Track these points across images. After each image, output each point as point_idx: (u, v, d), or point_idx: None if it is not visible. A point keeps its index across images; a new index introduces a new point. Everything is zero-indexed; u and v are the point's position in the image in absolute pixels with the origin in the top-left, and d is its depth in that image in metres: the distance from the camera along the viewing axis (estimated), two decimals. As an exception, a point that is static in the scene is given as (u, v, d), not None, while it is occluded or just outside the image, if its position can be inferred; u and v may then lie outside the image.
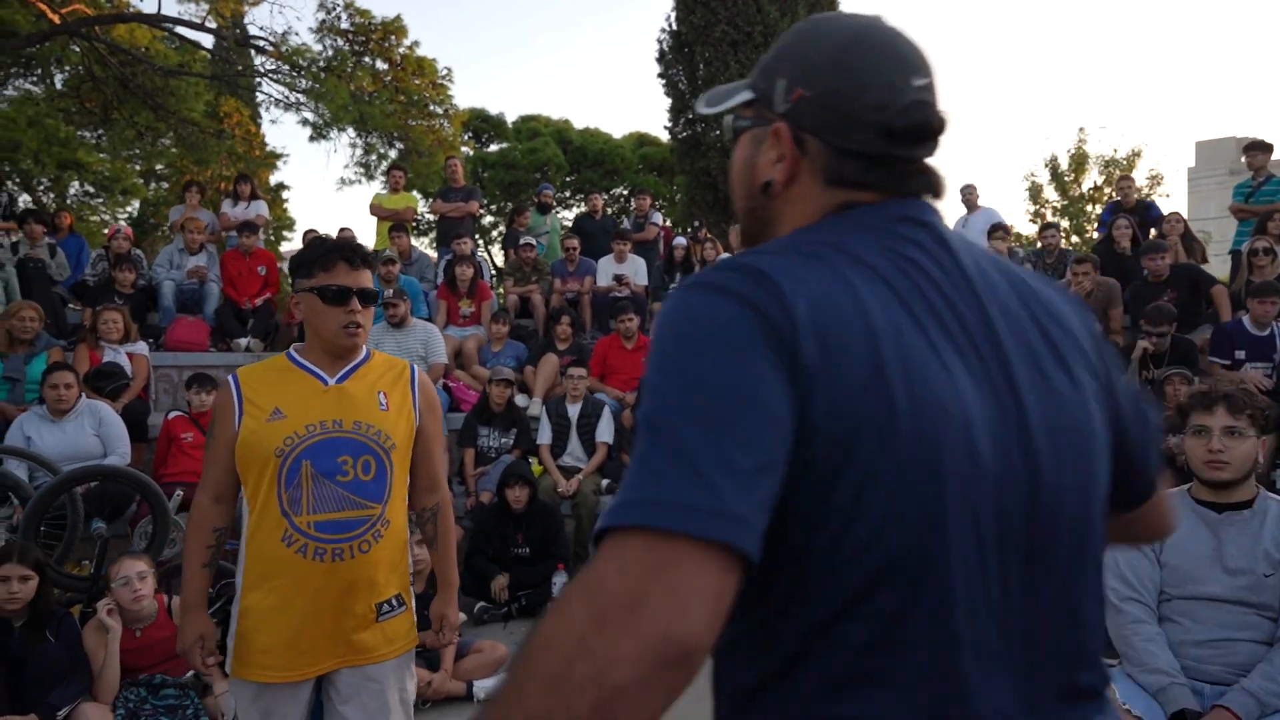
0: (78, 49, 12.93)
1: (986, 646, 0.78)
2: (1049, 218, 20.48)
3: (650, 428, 0.71)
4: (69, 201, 17.27)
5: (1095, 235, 19.24)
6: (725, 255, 0.86)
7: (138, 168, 18.05)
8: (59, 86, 15.20)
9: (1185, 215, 8.05)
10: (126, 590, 3.48)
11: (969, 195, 9.38)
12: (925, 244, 0.86)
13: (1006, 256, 7.96)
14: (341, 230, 8.77)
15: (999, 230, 8.39)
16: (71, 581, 4.02)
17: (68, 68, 14.53)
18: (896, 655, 0.76)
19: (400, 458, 2.17)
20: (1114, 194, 11.51)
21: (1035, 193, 21.34)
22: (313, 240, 2.27)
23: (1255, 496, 2.45)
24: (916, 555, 0.75)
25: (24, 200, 14.53)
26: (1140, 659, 2.36)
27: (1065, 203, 20.68)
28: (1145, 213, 8.39)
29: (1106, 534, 0.91)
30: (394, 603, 2.17)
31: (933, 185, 0.91)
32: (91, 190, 18.08)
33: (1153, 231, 8.01)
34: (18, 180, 15.44)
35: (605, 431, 6.16)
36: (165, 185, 18.46)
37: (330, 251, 2.13)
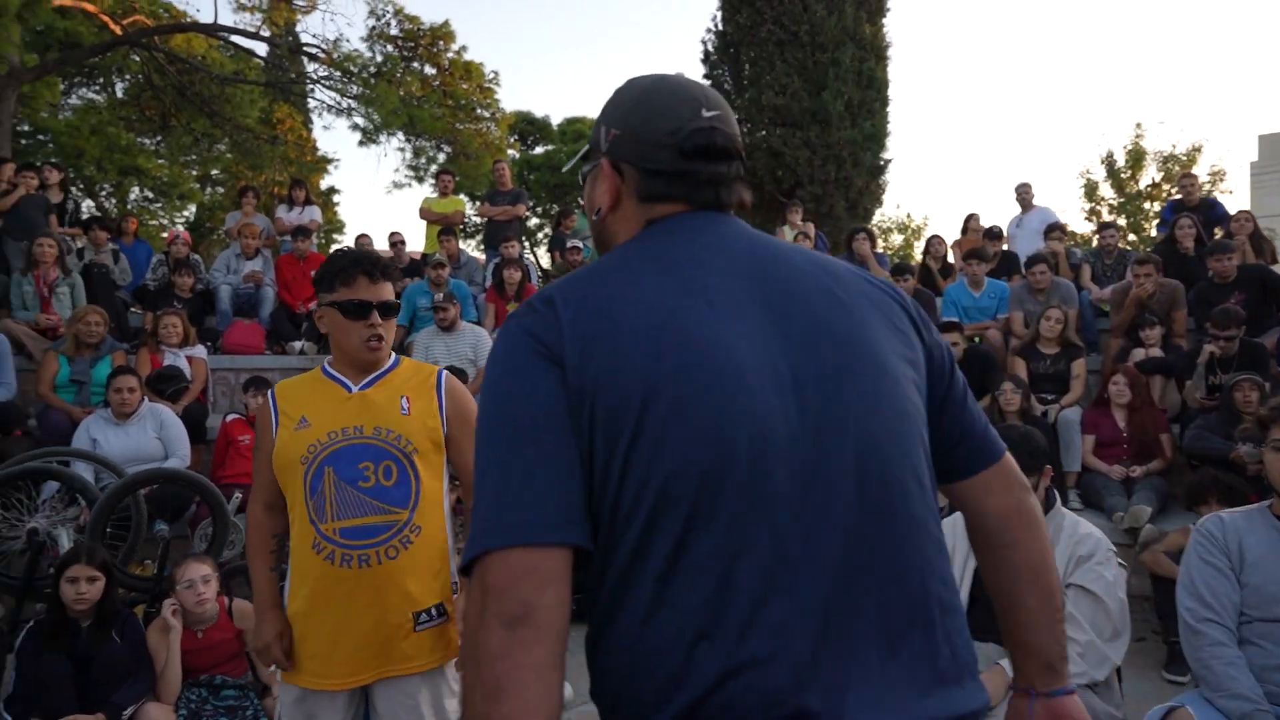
0: (138, 59, 13.31)
1: (771, 572, 0.90)
2: (1104, 216, 19.97)
3: (475, 455, 0.97)
4: (129, 206, 17.78)
5: (1154, 234, 18.73)
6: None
7: (194, 173, 18.53)
8: (120, 95, 15.67)
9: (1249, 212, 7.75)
10: (191, 593, 3.54)
11: (1024, 194, 9.17)
12: (710, 242, 1.05)
13: (1063, 257, 7.78)
14: (392, 234, 8.88)
15: (1056, 230, 8.18)
16: (136, 582, 4.11)
17: (128, 77, 14.98)
18: (685, 585, 0.89)
19: (426, 463, 2.15)
20: (1174, 191, 11.15)
21: (1090, 190, 20.82)
22: (334, 254, 2.30)
23: (1342, 514, 2.34)
24: (687, 492, 0.90)
25: (87, 206, 14.99)
26: (1221, 684, 2.26)
27: (1122, 200, 20.15)
28: (1209, 211, 8.11)
29: (928, 490, 1.02)
30: (433, 612, 2.15)
31: (721, 195, 1.10)
32: (150, 195, 18.61)
33: (1217, 231, 7.73)
34: (81, 186, 15.94)
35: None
36: (220, 190, 18.91)
37: (350, 265, 2.14)
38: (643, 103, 1.11)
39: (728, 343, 0.95)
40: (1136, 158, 20.13)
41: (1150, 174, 20.19)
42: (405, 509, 2.09)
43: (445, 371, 2.30)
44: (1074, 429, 5.67)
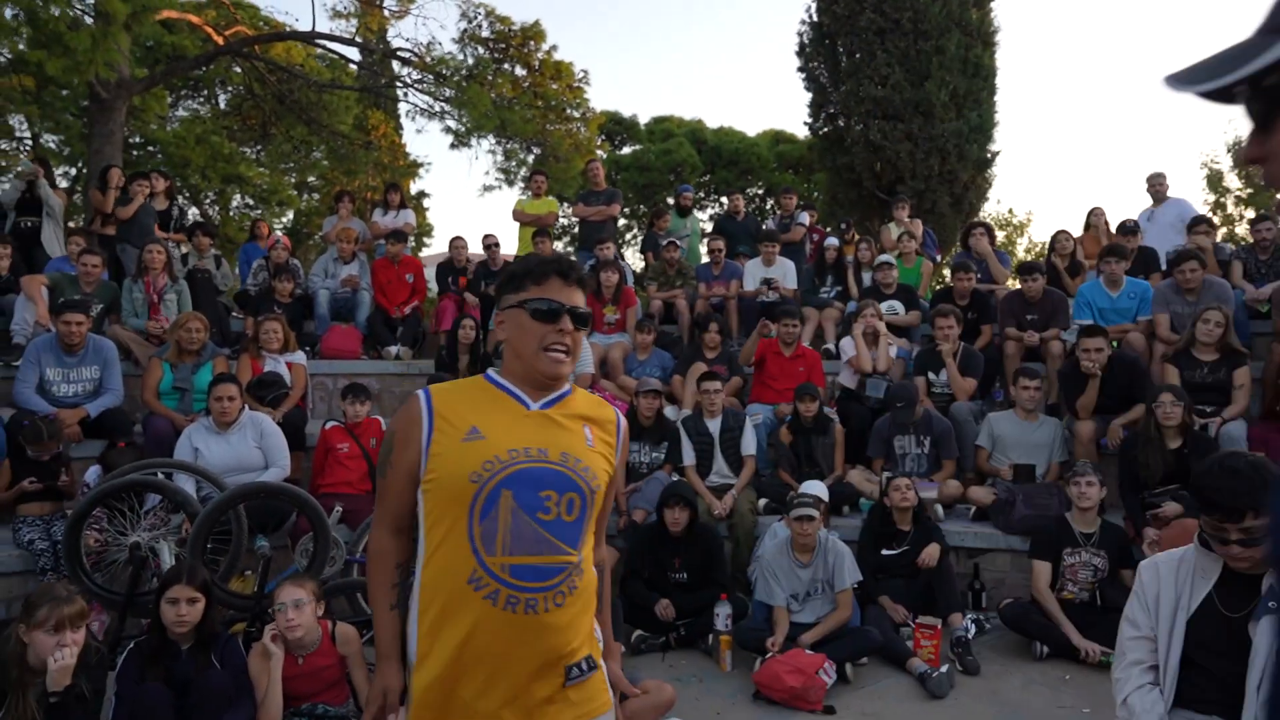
0: (239, 69, 13.63)
1: None
2: (1230, 208, 18.63)
3: None
4: (231, 214, 18.35)
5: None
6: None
7: (292, 179, 18.99)
8: (222, 106, 16.14)
9: None
10: (281, 617, 3.37)
11: (1157, 185, 8.44)
12: None
13: (1211, 253, 7.07)
14: (486, 237, 8.74)
15: (1202, 224, 7.46)
16: (235, 600, 3.97)
17: (230, 88, 15.40)
18: None
19: (599, 502, 1.90)
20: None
21: (1214, 180, 19.44)
22: (524, 256, 2.04)
23: None
24: None
25: (192, 214, 15.49)
26: None
27: (1250, 191, 18.72)
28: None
29: None
30: (584, 666, 1.86)
31: None
32: (251, 202, 19.16)
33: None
34: (187, 194, 16.49)
35: (749, 444, 5.81)
36: (316, 196, 19.33)
37: (543, 264, 1.91)
38: None
39: None
40: (1267, 145, 18.69)
41: (1283, 162, 18.73)
42: (576, 549, 1.82)
43: (622, 418, 2.04)
44: (1239, 445, 5.05)
